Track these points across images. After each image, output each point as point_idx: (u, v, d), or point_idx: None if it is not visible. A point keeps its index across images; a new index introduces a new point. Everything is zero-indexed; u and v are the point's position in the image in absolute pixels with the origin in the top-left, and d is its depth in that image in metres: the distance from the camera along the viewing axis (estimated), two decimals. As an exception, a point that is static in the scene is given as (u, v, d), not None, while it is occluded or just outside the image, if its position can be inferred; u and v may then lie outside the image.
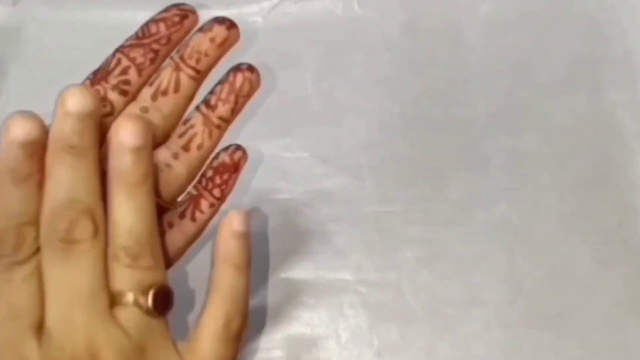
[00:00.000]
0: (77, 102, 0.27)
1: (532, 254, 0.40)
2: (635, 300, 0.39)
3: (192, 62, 0.31)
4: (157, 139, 0.31)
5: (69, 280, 0.27)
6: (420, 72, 0.44)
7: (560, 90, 0.43)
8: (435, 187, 0.42)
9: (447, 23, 0.45)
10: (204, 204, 0.33)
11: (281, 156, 0.42)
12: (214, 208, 0.33)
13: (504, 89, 0.44)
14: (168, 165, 0.31)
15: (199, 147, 0.32)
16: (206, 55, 0.31)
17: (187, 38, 0.32)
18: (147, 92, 0.31)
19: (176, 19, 0.31)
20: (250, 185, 0.41)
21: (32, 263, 0.27)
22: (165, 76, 0.31)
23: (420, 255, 0.41)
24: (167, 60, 0.32)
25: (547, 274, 0.40)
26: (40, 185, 0.27)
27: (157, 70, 0.32)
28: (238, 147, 0.33)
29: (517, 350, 0.39)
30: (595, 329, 0.39)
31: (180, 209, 0.33)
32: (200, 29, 0.32)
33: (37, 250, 0.27)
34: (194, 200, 0.33)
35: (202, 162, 0.32)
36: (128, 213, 0.28)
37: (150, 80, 0.31)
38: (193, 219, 0.32)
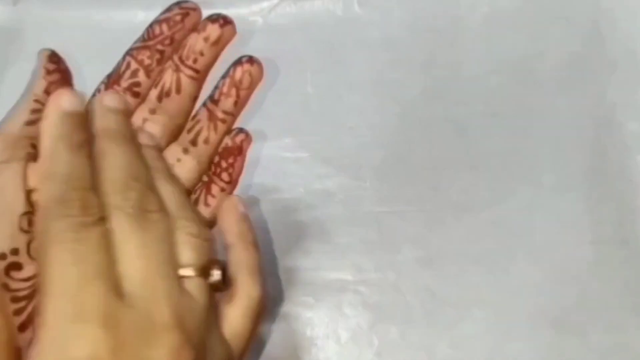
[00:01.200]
0: (114, 100, 0.29)
1: (532, 254, 0.40)
2: (635, 300, 0.39)
3: (190, 63, 0.32)
4: (167, 138, 0.33)
5: (147, 246, 0.27)
6: (420, 72, 0.44)
7: (559, 90, 0.43)
8: (435, 187, 0.42)
9: (447, 23, 0.45)
10: (215, 189, 0.34)
11: (281, 156, 0.42)
12: (225, 191, 0.34)
13: (504, 89, 0.44)
14: (179, 160, 0.33)
15: (206, 141, 0.33)
16: (202, 54, 0.32)
17: (186, 38, 0.33)
18: (153, 94, 0.33)
19: (177, 18, 0.32)
20: (251, 185, 0.41)
21: (101, 227, 0.26)
22: (167, 78, 0.33)
23: (420, 255, 0.41)
24: (169, 62, 0.32)
25: (547, 274, 0.40)
26: (91, 159, 0.28)
27: (163, 70, 0.32)
28: (240, 130, 0.35)
29: (517, 350, 0.39)
30: (595, 329, 0.39)
31: (193, 197, 0.34)
32: (195, 31, 0.32)
33: (102, 218, 0.27)
34: (206, 186, 0.34)
35: (210, 156, 0.34)
36: (176, 188, 0.30)
37: (156, 81, 0.32)
38: (206, 204, 0.34)
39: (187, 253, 0.28)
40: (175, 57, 0.32)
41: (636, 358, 0.39)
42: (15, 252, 0.28)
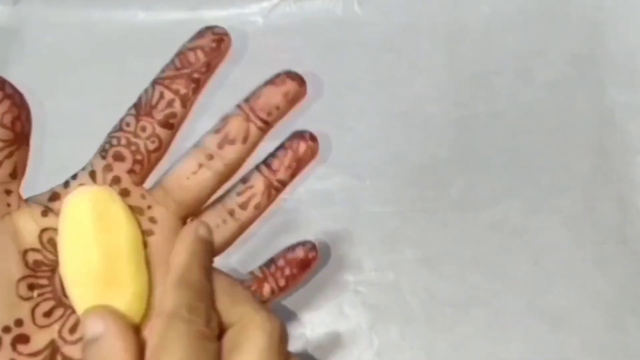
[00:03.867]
0: (206, 231, 0.30)
1: (532, 254, 0.40)
2: (635, 300, 0.39)
3: (264, 115, 0.31)
4: (216, 187, 0.32)
5: None
6: (420, 72, 0.44)
7: (560, 90, 0.43)
8: (435, 187, 0.42)
9: (447, 23, 0.45)
10: (266, 288, 0.34)
11: (281, 156, 0.42)
12: (274, 295, 0.34)
13: (504, 89, 0.44)
14: (224, 221, 0.32)
15: (257, 206, 0.32)
16: (277, 108, 0.31)
17: (256, 88, 0.32)
18: (213, 140, 0.31)
19: (214, 44, 0.31)
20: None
21: (217, 344, 0.27)
22: (234, 125, 0.31)
23: (420, 255, 0.41)
24: (236, 109, 0.31)
25: (547, 274, 0.40)
26: None
27: (198, 98, 0.31)
28: (314, 247, 0.35)
29: (517, 350, 0.39)
30: (595, 329, 0.39)
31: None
32: (272, 82, 0.31)
33: (219, 338, 0.27)
34: (257, 282, 0.34)
35: (253, 221, 0.33)
36: None
37: (216, 127, 0.31)
38: None
39: None
40: (245, 106, 0.31)
41: (636, 358, 0.39)
42: (19, 323, 0.26)
